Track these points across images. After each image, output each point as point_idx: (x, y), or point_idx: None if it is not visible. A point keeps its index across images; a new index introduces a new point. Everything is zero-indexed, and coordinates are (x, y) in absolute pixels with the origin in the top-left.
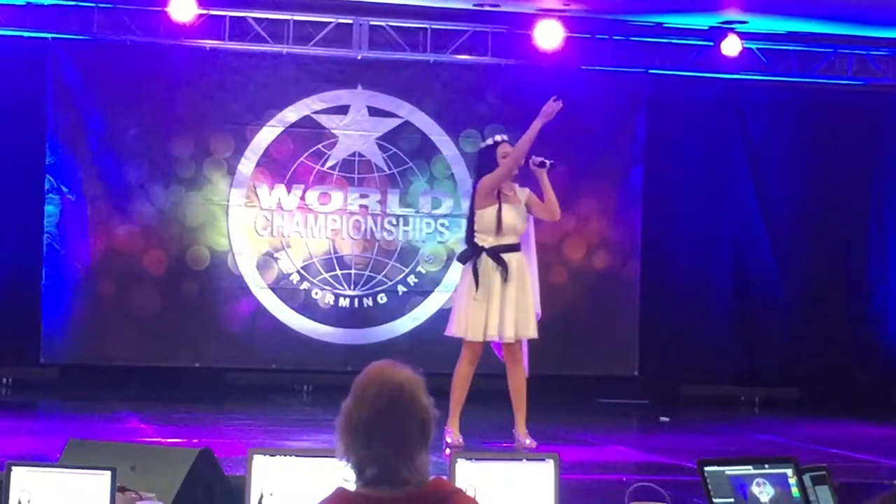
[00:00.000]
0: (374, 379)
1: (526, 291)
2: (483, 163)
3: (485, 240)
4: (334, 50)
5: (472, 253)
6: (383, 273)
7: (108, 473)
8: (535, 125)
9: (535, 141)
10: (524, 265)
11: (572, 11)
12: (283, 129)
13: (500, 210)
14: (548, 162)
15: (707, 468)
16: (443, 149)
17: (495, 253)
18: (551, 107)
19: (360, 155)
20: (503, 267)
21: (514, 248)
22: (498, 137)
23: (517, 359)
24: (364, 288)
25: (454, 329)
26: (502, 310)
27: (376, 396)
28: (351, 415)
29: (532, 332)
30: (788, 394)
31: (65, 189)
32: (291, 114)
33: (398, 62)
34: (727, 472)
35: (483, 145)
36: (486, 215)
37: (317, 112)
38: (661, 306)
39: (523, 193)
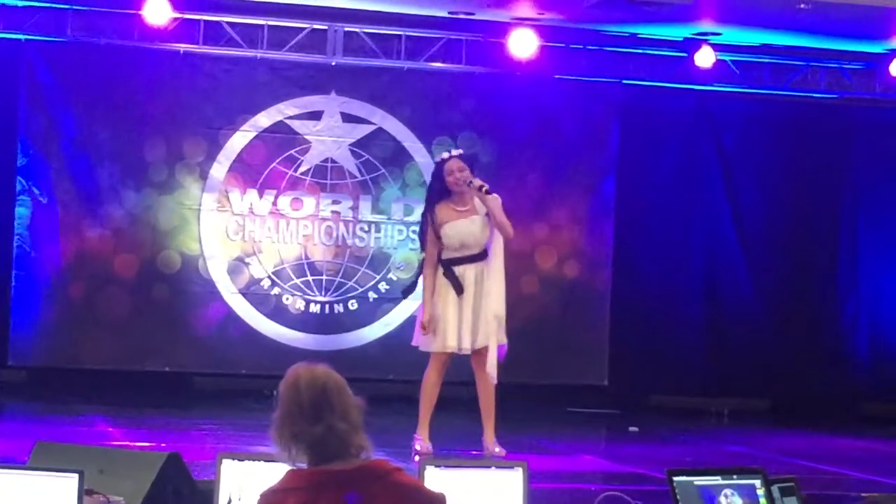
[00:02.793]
0: (301, 372)
1: (488, 299)
2: (433, 176)
3: (442, 253)
4: (308, 55)
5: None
6: (354, 279)
7: (75, 476)
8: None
9: (509, 148)
10: (485, 274)
11: (546, 20)
12: (255, 133)
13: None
14: (485, 186)
15: (676, 478)
16: (416, 156)
17: (449, 267)
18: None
19: (333, 161)
20: (454, 283)
21: (471, 259)
22: (454, 152)
23: (486, 367)
24: (335, 294)
25: (415, 338)
26: (459, 321)
27: (311, 381)
28: (290, 407)
29: (491, 339)
30: (758, 405)
31: (36, 191)
32: (264, 119)
33: (372, 69)
34: (696, 483)
35: (437, 158)
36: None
37: (290, 117)
38: (632, 316)
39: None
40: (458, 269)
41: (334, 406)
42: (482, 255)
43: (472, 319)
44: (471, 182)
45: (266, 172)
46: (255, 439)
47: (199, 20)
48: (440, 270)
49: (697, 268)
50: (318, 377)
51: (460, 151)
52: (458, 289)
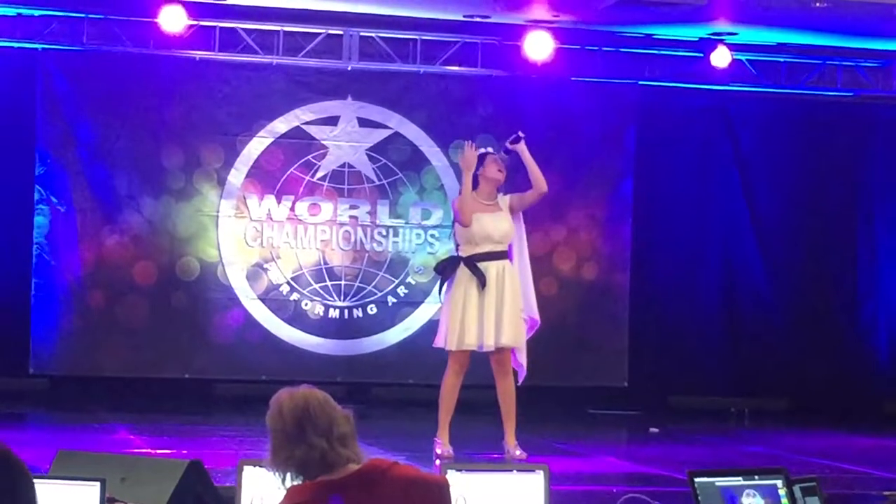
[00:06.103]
0: (283, 398)
1: (511, 299)
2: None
3: (463, 249)
4: (324, 61)
5: (449, 263)
6: (373, 284)
7: (97, 484)
8: (466, 178)
9: (528, 146)
10: (507, 273)
11: (562, 23)
12: (272, 139)
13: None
14: (519, 134)
15: (697, 479)
16: (433, 160)
17: (471, 262)
18: (468, 155)
19: (350, 166)
20: (478, 276)
21: (493, 256)
22: (489, 149)
23: (506, 370)
24: (354, 299)
25: (437, 339)
26: (480, 319)
27: (292, 401)
28: (277, 432)
29: (511, 340)
30: (778, 405)
31: (54, 200)
32: (281, 125)
33: (388, 73)
34: (717, 484)
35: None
36: (460, 226)
37: (307, 123)
38: (651, 317)
39: (504, 200)
40: (479, 266)
41: (318, 423)
42: (504, 254)
43: (494, 317)
44: (504, 146)
45: (283, 178)
46: None
47: (214, 27)
48: (461, 267)
49: (715, 268)
50: (298, 399)
51: (490, 149)
52: (482, 281)
